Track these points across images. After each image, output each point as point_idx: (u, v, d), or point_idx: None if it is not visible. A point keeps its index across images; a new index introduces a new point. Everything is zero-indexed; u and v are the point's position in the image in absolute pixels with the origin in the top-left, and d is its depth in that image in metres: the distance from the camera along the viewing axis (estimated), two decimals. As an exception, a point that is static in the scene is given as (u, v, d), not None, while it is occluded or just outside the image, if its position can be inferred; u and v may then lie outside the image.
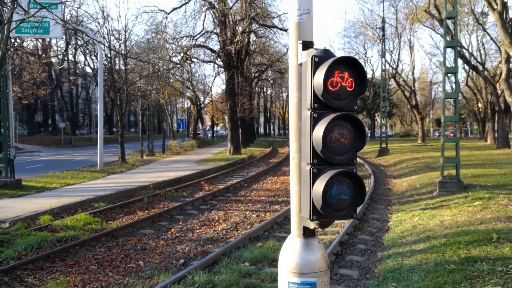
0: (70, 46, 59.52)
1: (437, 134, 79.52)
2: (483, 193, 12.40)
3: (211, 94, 59.27)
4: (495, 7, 18.55)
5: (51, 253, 8.30)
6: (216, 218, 11.99)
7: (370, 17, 51.20)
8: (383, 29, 35.10)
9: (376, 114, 64.19)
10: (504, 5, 19.37)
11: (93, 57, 64.92)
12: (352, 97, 2.30)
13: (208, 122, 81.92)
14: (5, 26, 14.75)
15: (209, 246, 9.26)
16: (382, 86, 34.85)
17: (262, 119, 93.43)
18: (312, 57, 2.26)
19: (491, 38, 35.40)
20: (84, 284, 6.97)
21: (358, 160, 30.02)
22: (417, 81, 59.25)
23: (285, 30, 36.07)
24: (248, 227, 10.93)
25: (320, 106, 2.29)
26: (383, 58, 35.12)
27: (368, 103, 61.05)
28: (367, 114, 64.68)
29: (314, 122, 2.28)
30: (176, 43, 33.57)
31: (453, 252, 7.41)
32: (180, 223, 11.44)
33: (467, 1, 36.42)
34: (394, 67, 46.87)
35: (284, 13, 37.19)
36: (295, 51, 2.40)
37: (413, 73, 50.26)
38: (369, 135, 66.13)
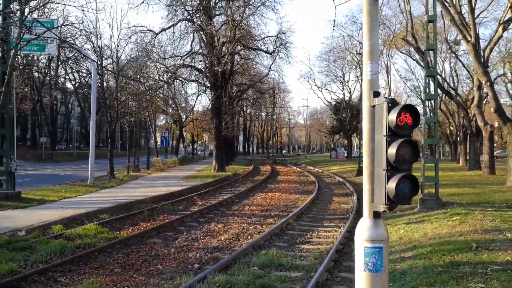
0: (52, 61, 59.83)
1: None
2: (460, 209, 13.60)
3: (193, 112, 60.15)
4: (469, 39, 20.21)
5: (74, 257, 9.04)
6: (217, 230, 12.86)
7: (349, 42, 53.00)
8: (362, 54, 36.72)
9: (353, 135, 66.02)
10: (477, 38, 21.08)
11: (75, 73, 65.61)
12: (410, 129, 3.62)
13: (187, 140, 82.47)
14: (13, 45, 15.51)
15: (217, 253, 10.14)
16: (362, 109, 36.27)
17: (241, 138, 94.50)
18: (386, 103, 3.57)
19: (463, 65, 37.57)
20: (115, 284, 7.77)
21: (338, 179, 31.45)
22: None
23: (270, 53, 37.56)
24: (249, 237, 11.83)
25: (391, 134, 3.67)
26: (363, 83, 36.60)
27: (346, 125, 62.90)
28: (344, 135, 66.48)
29: (388, 143, 3.63)
30: (164, 63, 34.58)
31: (438, 258, 8.48)
32: (184, 233, 12.27)
33: (440, 30, 38.59)
34: (372, 90, 48.68)
35: (267, 37, 38.80)
36: (368, 97, 3.54)
37: (389, 96, 52.18)
38: (346, 155, 67.91)
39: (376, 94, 3.70)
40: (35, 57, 52.87)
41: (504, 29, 22.45)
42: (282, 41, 36.75)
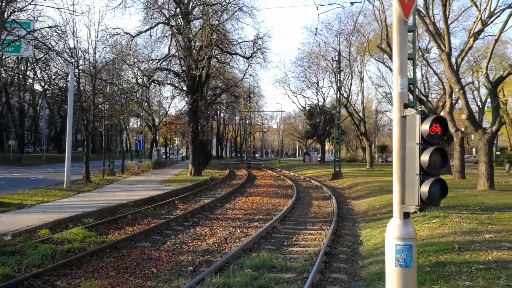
0: (22, 62, 58.43)
1: (380, 160, 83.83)
2: (438, 212, 14.12)
3: (166, 116, 59.83)
4: (444, 48, 20.99)
5: (67, 261, 9.02)
6: (204, 233, 12.97)
7: (324, 49, 53.84)
8: (338, 61, 37.54)
9: (326, 140, 66.93)
10: (451, 47, 21.90)
11: (44, 74, 64.22)
12: (440, 138, 3.98)
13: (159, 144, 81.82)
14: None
15: (208, 256, 10.28)
16: (337, 114, 37.01)
17: (214, 142, 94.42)
18: (419, 115, 3.91)
19: (435, 73, 38.74)
20: (113, 286, 7.82)
21: (315, 183, 31.94)
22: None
23: (247, 58, 37.84)
24: (237, 241, 12.00)
25: (424, 142, 4.03)
26: (338, 89, 37.35)
27: (319, 129, 63.77)
28: (317, 140, 67.33)
29: (421, 151, 3.98)
30: (140, 66, 34.40)
31: (424, 258, 8.86)
32: (172, 237, 12.35)
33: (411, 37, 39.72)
34: (346, 96, 49.70)
35: (244, 41, 39.08)
36: (399, 108, 3.84)
37: (362, 102, 53.37)
38: (319, 159, 68.78)
39: (406, 106, 4.05)
40: (3, 56, 51.59)
41: (475, 40, 23.39)
42: (260, 46, 37.09)
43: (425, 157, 3.97)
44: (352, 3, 22.83)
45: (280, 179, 37.72)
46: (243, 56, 37.97)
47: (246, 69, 42.09)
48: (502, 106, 43.08)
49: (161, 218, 15.42)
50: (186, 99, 37.52)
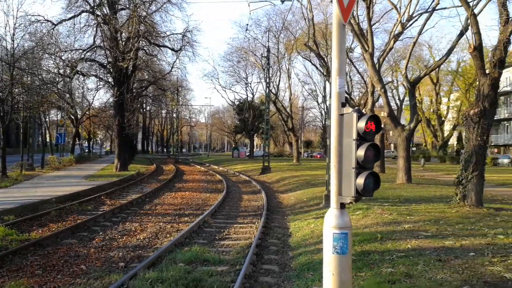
0: None
1: (306, 155, 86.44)
2: (361, 205, 14.88)
3: (90, 109, 57.51)
4: (367, 48, 22.07)
5: (-13, 261, 8.51)
6: (133, 229, 12.74)
7: (253, 45, 54.36)
8: (267, 58, 38.10)
9: (255, 135, 67.73)
10: (373, 48, 23.06)
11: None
12: (374, 135, 4.24)
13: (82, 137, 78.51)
14: None
15: (140, 251, 10.14)
16: (266, 110, 37.60)
17: (140, 136, 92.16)
18: (356, 113, 4.18)
19: (358, 72, 40.53)
20: (40, 285, 7.50)
21: (244, 177, 32.33)
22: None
23: (176, 51, 37.31)
24: (168, 235, 11.92)
25: (360, 138, 4.35)
26: (267, 85, 37.93)
27: (248, 124, 64.40)
28: (246, 135, 67.98)
29: (357, 146, 4.26)
30: (63, 56, 32.80)
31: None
32: (100, 233, 12.01)
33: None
34: (274, 92, 50.59)
35: (173, 34, 38.50)
36: (337, 107, 4.06)
37: (290, 98, 54.60)
38: (248, 154, 69.50)
39: (344, 104, 4.31)
40: None
41: (395, 41, 24.82)
42: (189, 39, 36.70)
43: (361, 152, 4.28)
44: (282, 1, 23.30)
45: (209, 174, 37.71)
46: (172, 49, 37.41)
47: (174, 62, 41.46)
48: (418, 105, 46.06)
49: (87, 214, 14.92)
50: (112, 91, 36.29)
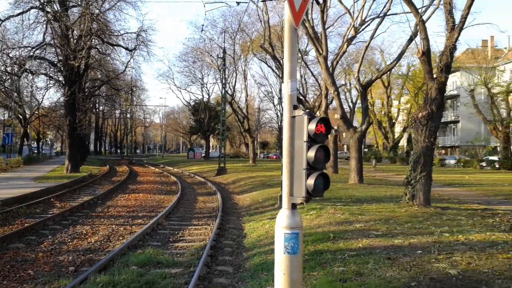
0: None
1: (262, 156, 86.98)
2: (315, 205, 15.14)
3: (39, 108, 55.52)
4: (321, 52, 22.48)
5: None
6: (84, 232, 12.40)
7: (209, 45, 54.12)
8: (223, 59, 38.06)
9: (211, 136, 67.44)
10: (327, 51, 23.52)
11: None
12: (324, 137, 4.31)
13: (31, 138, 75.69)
14: None
15: (91, 255, 9.88)
16: (222, 111, 37.56)
17: (92, 136, 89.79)
18: (306, 116, 4.23)
19: (312, 74, 41.18)
20: (-17, 292, 7.18)
21: (199, 178, 32.17)
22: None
23: (130, 50, 36.64)
24: (121, 238, 11.69)
25: (310, 140, 4.40)
26: (223, 85, 37.90)
27: (204, 126, 64.05)
28: (202, 136, 67.59)
29: (308, 148, 4.34)
30: (10, 54, 31.48)
31: (304, 247, 9.49)
32: (49, 237, 11.62)
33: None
34: (230, 93, 50.59)
35: (127, 33, 37.79)
36: (289, 109, 4.12)
37: (246, 99, 54.77)
38: (203, 155, 69.11)
39: (295, 107, 4.40)
40: None
41: (348, 45, 25.42)
42: (143, 38, 36.12)
43: (311, 153, 4.38)
44: (238, 3, 23.33)
45: (164, 175, 37.24)
46: (126, 48, 36.72)
47: (128, 62, 40.74)
48: (370, 107, 47.29)
49: (36, 217, 14.38)
50: (63, 90, 35.16)
